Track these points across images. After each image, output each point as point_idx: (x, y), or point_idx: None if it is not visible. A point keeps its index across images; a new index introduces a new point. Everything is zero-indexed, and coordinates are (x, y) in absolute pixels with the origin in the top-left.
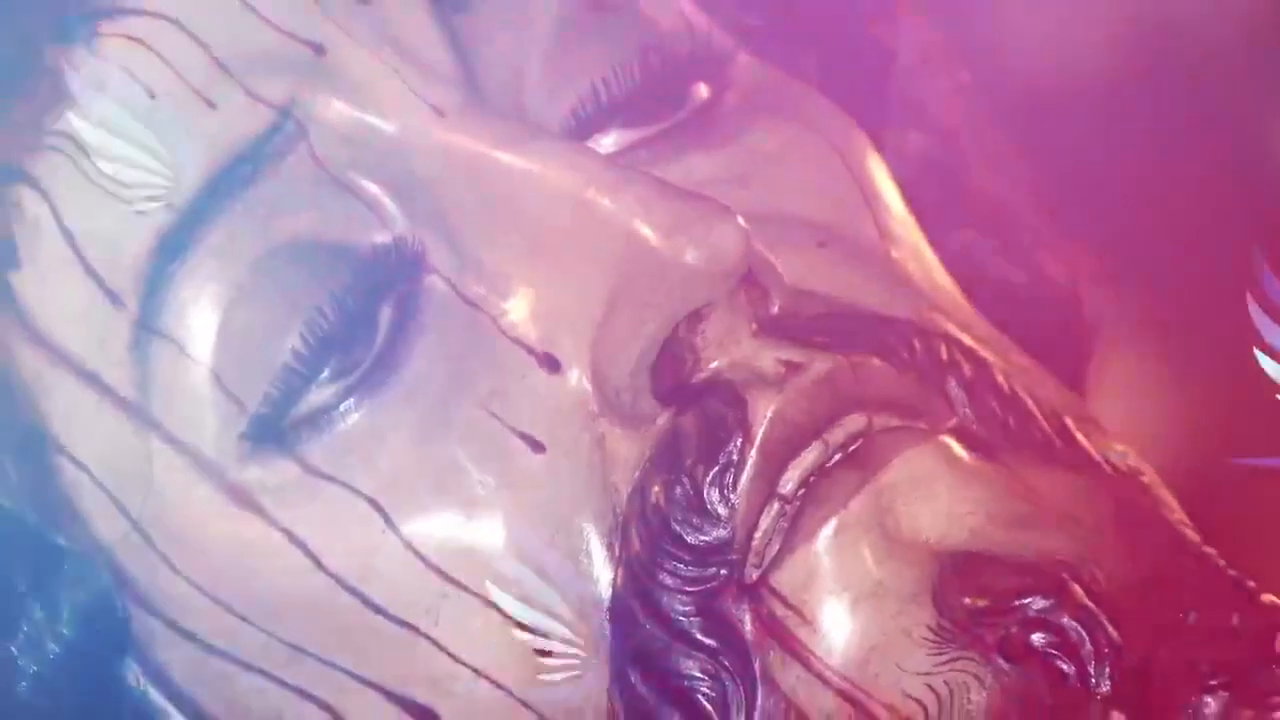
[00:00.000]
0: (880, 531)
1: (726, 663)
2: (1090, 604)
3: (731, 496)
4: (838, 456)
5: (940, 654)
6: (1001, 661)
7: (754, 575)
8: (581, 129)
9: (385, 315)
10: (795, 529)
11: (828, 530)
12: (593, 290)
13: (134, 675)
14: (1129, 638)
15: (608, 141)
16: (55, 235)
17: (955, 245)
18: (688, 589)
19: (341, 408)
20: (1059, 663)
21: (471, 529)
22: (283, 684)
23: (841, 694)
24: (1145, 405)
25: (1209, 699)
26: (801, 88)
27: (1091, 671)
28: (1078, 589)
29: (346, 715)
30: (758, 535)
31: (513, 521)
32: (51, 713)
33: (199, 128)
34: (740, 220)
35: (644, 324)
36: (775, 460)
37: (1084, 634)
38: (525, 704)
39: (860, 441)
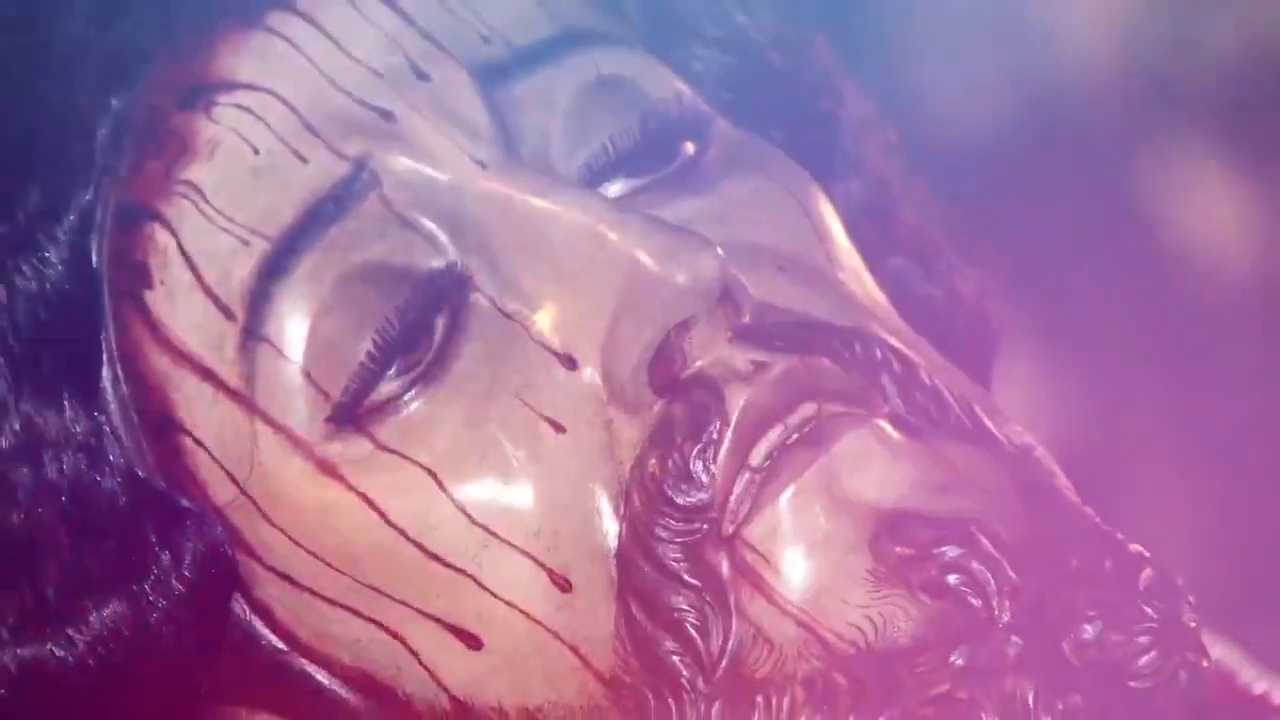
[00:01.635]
0: (829, 495)
1: (708, 598)
2: (994, 552)
3: (712, 467)
4: (795, 436)
5: (876, 591)
6: (924, 597)
7: (730, 529)
8: (594, 178)
9: (440, 324)
10: (762, 493)
11: (788, 494)
12: (603, 305)
13: (241, 609)
14: (1024, 579)
15: (614, 188)
16: (180, 261)
17: (887, 270)
18: (678, 540)
19: (405, 397)
20: (969, 598)
21: (508, 493)
22: (359, 615)
23: (798, 622)
24: (1037, 395)
25: (1087, 627)
26: (768, 147)
27: (995, 605)
28: (984, 540)
29: (409, 639)
30: (732, 498)
31: (540, 487)
32: (176, 639)
33: (292, 177)
34: (718, 250)
35: (643, 332)
36: (746, 439)
37: (989, 576)
38: (550, 631)
39: (813, 424)
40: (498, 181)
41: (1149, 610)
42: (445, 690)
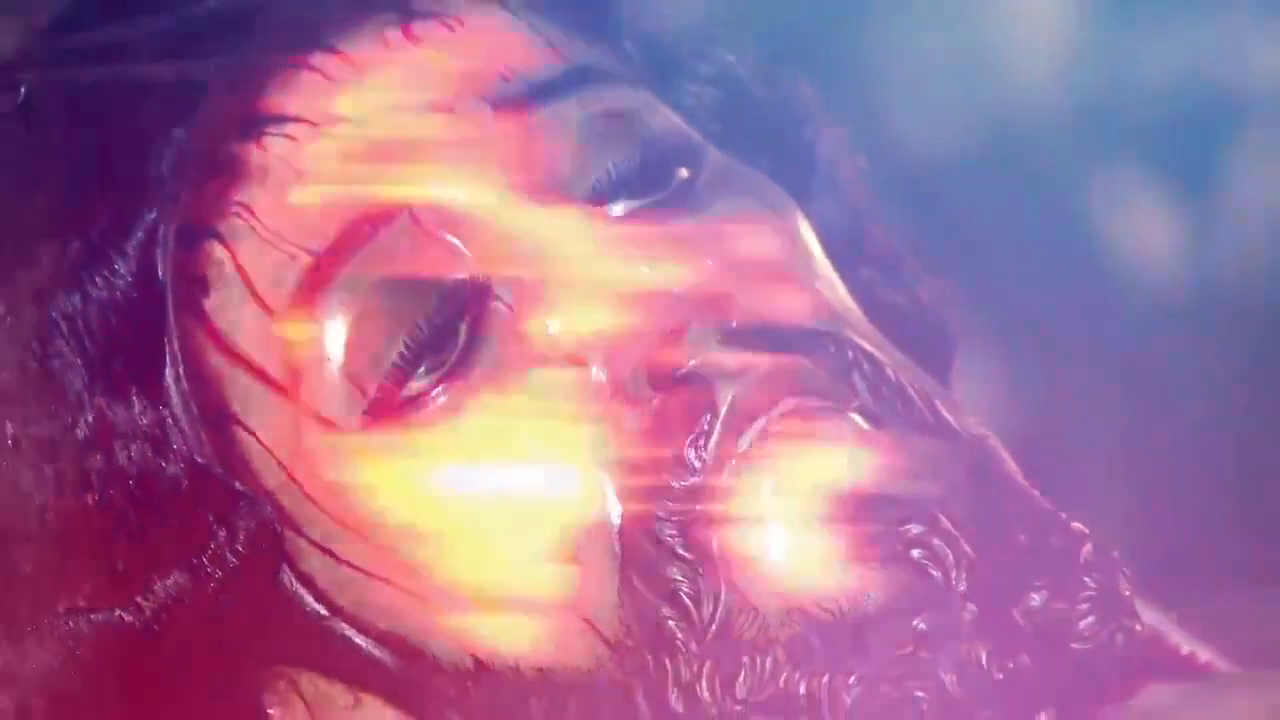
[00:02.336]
0: (807, 479)
1: (701, 570)
2: (953, 530)
3: (704, 455)
4: (777, 427)
5: (848, 564)
6: (890, 569)
7: (720, 510)
8: (599, 200)
9: (463, 329)
10: (748, 477)
11: (771, 478)
12: (607, 310)
13: (288, 579)
14: (978, 553)
15: (617, 209)
16: (234, 273)
17: (858, 280)
18: (674, 519)
19: (433, 393)
20: (930, 570)
21: (524, 478)
22: (390, 583)
23: (780, 592)
24: (991, 391)
25: (1035, 595)
26: (752, 172)
27: (953, 576)
28: (944, 519)
29: (437, 607)
30: (721, 482)
31: (554, 470)
32: (230, 606)
33: (333, 199)
34: (709, 263)
35: (642, 334)
36: (734, 430)
37: (948, 550)
38: (562, 600)
39: (792, 417)
40: (515, 203)
41: (1089, 581)
42: (469, 652)
